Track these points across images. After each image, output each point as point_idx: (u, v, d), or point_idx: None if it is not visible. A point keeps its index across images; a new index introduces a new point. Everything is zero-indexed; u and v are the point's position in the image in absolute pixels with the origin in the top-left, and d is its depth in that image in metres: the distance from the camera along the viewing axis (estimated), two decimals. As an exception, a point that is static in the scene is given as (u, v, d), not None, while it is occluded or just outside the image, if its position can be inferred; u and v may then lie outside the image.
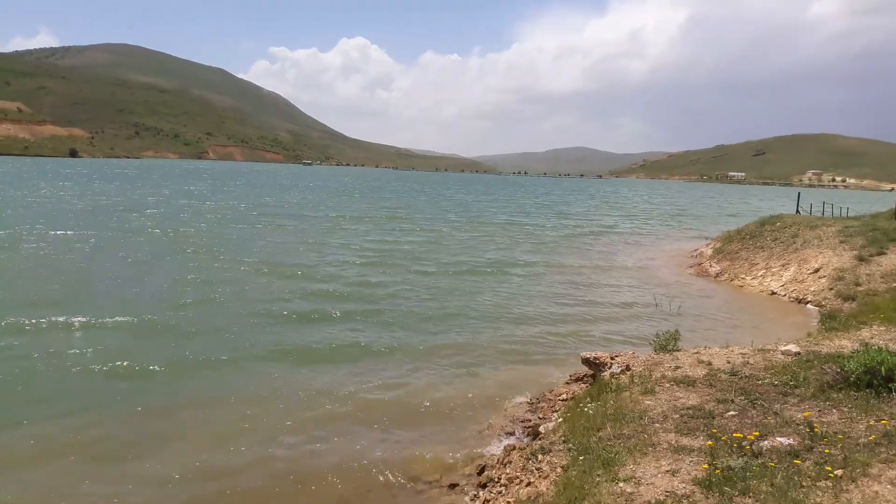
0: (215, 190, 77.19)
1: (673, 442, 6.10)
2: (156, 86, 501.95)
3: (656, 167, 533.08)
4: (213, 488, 7.90)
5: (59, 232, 29.54)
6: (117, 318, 14.85)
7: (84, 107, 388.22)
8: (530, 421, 9.74)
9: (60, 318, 14.47)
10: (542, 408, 10.21)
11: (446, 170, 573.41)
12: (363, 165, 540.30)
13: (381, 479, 8.27)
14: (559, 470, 6.23)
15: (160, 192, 67.51)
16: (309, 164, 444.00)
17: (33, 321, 14.15)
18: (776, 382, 7.58)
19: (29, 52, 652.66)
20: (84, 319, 14.52)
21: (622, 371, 8.68)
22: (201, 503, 7.65)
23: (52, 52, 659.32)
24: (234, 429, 9.54)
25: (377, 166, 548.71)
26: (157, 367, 11.88)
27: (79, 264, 21.93)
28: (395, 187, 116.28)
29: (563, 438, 7.00)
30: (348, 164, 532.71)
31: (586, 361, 10.03)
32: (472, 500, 7.49)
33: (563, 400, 9.99)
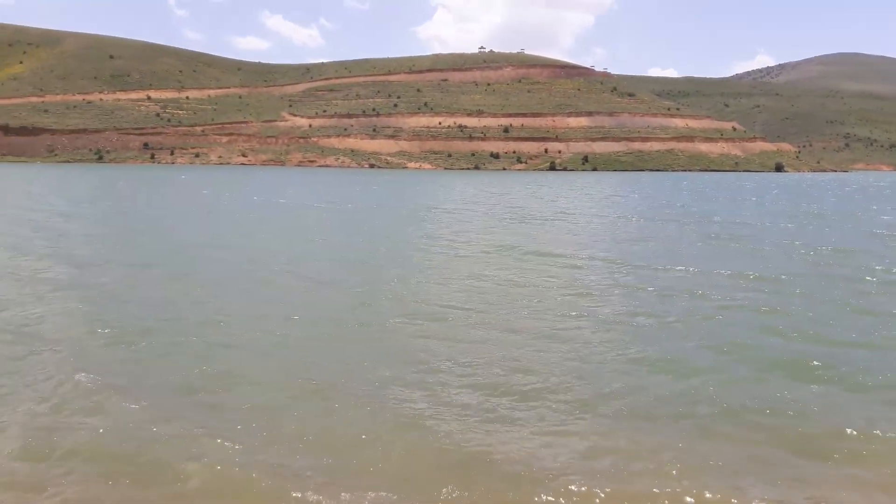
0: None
1: None
2: (871, 93, 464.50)
3: None
4: None
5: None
6: None
7: (793, 121, 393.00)
8: None
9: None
10: None
11: None
12: None
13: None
14: None
15: None
16: None
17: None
18: None
19: (747, 73, 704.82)
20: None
21: None
22: None
23: (768, 70, 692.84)
24: None
25: None
26: None
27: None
28: None
29: None
30: None
31: None
32: None
33: None
